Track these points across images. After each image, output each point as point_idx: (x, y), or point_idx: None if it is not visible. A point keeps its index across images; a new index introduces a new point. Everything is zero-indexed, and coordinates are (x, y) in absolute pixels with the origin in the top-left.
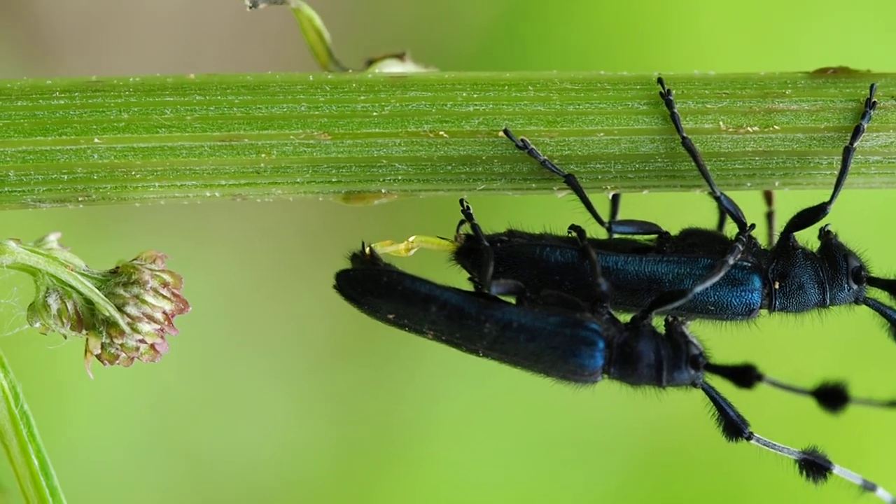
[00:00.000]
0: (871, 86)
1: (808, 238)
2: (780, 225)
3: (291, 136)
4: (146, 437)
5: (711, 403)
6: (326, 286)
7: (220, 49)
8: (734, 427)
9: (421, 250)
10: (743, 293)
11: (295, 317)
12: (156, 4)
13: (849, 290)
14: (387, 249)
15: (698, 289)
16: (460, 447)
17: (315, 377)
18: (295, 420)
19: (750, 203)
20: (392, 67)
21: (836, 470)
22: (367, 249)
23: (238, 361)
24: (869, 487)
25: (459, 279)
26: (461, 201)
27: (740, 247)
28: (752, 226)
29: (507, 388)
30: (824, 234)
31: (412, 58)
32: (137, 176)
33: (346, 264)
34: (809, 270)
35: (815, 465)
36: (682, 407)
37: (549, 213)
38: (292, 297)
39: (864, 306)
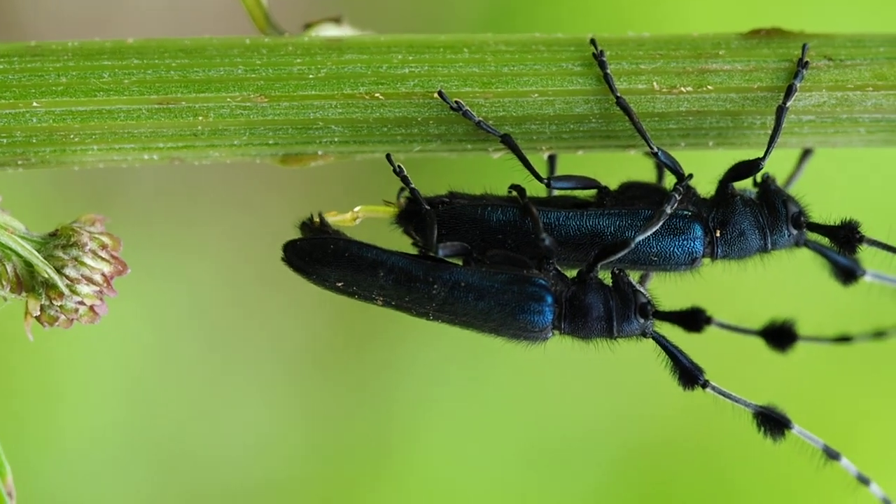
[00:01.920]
0: (804, 46)
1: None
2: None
3: (228, 99)
4: (123, 447)
5: (664, 353)
6: (299, 293)
7: None
8: (689, 375)
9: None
10: (685, 242)
11: (271, 325)
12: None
13: (789, 236)
14: (333, 219)
15: (639, 238)
16: (448, 453)
17: (290, 382)
18: (276, 430)
19: (685, 163)
20: (329, 31)
21: (796, 430)
22: (317, 217)
23: (215, 370)
24: (832, 455)
25: (407, 245)
26: (388, 157)
27: (677, 196)
28: (690, 175)
29: (495, 394)
30: (763, 181)
31: (349, 21)
32: (76, 139)
33: (297, 235)
34: (749, 217)
35: (772, 420)
36: (676, 411)
37: (487, 175)
38: (265, 301)
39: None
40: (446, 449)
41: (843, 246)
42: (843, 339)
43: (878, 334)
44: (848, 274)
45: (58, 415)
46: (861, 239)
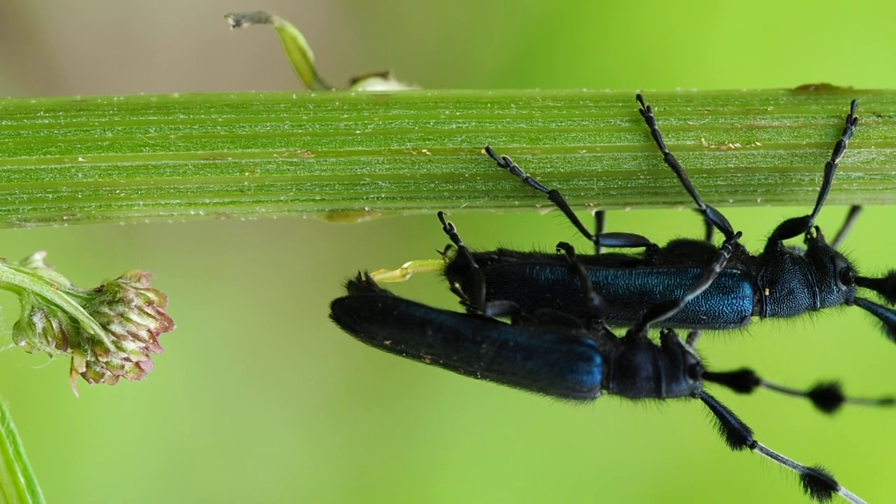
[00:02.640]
0: (853, 102)
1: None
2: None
3: (275, 155)
4: (159, 481)
5: (712, 413)
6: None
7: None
8: (737, 435)
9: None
10: (734, 301)
11: (308, 357)
12: (165, 37)
13: (838, 292)
14: (381, 276)
15: (688, 297)
16: (474, 486)
17: (329, 417)
18: (308, 460)
19: (733, 219)
20: (375, 86)
21: (843, 492)
22: (364, 276)
23: (251, 402)
24: None
25: (454, 302)
26: (440, 215)
27: (726, 254)
28: (739, 233)
29: (520, 427)
30: (810, 237)
31: (396, 76)
32: (122, 195)
33: (344, 293)
34: (798, 275)
35: (819, 482)
36: (700, 446)
37: (534, 230)
38: (305, 336)
39: (855, 306)
40: (472, 478)
41: (890, 296)
42: (888, 401)
43: None
44: None
45: (84, 456)
46: None
